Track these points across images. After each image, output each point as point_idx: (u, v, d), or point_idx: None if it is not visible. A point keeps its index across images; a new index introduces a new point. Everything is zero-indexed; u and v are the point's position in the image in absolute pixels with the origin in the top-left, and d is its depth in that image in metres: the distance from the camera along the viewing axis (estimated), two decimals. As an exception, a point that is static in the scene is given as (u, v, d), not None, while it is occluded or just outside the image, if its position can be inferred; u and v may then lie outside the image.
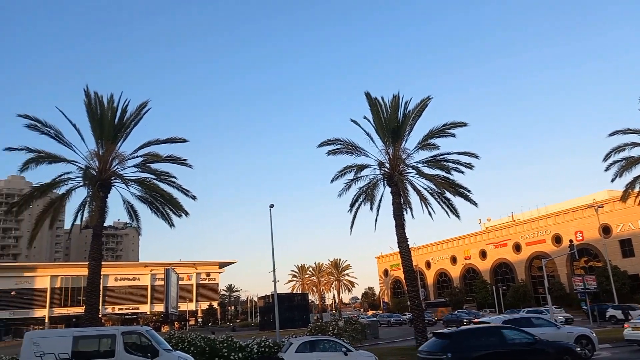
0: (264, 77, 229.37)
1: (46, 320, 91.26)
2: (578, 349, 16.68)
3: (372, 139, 28.24)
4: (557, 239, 76.19)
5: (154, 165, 26.46)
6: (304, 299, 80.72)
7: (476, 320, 20.06)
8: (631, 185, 33.41)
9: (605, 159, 33.61)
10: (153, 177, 26.35)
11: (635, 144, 32.75)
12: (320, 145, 28.62)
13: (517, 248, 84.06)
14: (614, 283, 48.58)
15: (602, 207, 59.31)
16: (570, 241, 47.49)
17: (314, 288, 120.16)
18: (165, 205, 26.25)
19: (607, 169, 33.60)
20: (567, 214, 76.26)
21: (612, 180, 33.67)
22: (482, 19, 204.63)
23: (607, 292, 51.58)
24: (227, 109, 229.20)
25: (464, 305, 76.85)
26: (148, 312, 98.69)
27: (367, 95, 27.97)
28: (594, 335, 18.76)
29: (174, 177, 26.32)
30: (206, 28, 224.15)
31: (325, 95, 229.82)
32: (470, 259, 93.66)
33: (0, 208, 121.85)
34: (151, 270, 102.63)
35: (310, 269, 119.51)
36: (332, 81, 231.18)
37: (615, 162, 33.45)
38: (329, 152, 28.61)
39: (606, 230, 67.76)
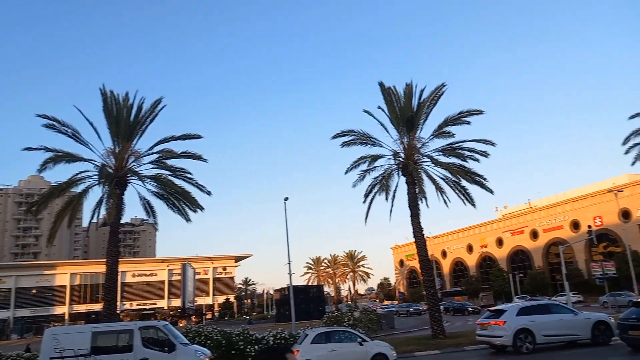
0: (278, 73, 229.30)
1: (66, 317, 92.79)
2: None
3: (386, 129, 28.04)
4: (575, 225, 75.22)
5: (170, 162, 26.76)
6: (320, 291, 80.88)
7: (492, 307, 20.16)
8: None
9: (624, 142, 33.15)
10: (168, 173, 26.61)
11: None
12: (335, 137, 28.49)
13: (534, 235, 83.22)
14: (634, 268, 47.83)
15: (622, 191, 58.36)
16: (589, 227, 46.83)
17: (329, 280, 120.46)
18: (181, 200, 26.43)
19: (627, 152, 33.13)
20: (586, 199, 75.16)
21: (633, 164, 33.20)
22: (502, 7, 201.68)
23: (627, 278, 50.79)
24: (242, 104, 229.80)
25: (480, 294, 76.41)
26: (165, 307, 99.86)
27: (381, 85, 27.74)
28: (612, 320, 18.49)
29: (189, 172, 26.54)
30: (215, 25, 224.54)
31: (340, 87, 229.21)
32: (486, 247, 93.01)
33: (20, 208, 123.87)
34: (168, 266, 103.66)
35: (326, 260, 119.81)
36: (346, 74, 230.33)
37: (635, 144, 32.92)
38: (343, 144, 28.45)
39: (626, 214, 66.63)
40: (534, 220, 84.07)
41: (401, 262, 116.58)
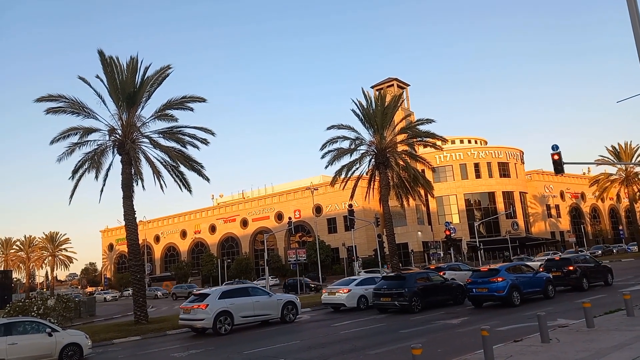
0: None
1: None
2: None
3: (104, 101, 25.85)
4: (280, 216, 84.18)
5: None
6: (7, 277, 69.27)
7: (196, 292, 20.82)
8: (339, 172, 39.11)
9: (321, 148, 38.54)
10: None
11: (345, 138, 38.42)
12: (39, 100, 24.82)
13: (245, 223, 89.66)
14: (320, 255, 56.51)
15: (317, 189, 68.09)
16: (289, 218, 52.98)
17: (21, 265, 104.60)
18: None
19: (322, 156, 38.58)
20: (290, 194, 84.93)
21: (326, 167, 38.87)
22: None
23: (313, 264, 59.58)
24: None
25: (189, 279, 78.20)
26: None
27: (101, 53, 25.35)
28: (298, 301, 21.41)
29: None
30: None
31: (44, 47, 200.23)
32: (200, 233, 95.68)
33: None
34: None
35: (18, 242, 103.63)
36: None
37: (329, 151, 38.69)
38: (49, 110, 25.04)
39: (318, 209, 78.10)
40: (246, 209, 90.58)
41: (110, 246, 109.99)
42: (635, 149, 62.20)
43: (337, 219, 77.13)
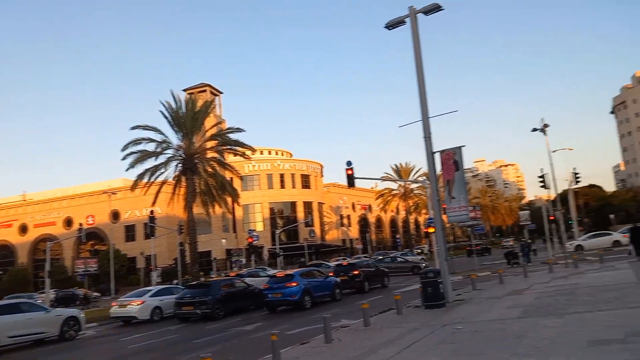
0: None
1: None
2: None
3: None
4: (69, 222, 75.57)
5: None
6: None
7: None
8: (141, 176, 36.83)
9: (123, 149, 35.88)
10: None
11: (151, 140, 36.42)
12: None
13: (24, 229, 78.31)
14: (114, 265, 52.19)
15: (116, 193, 63.01)
16: (80, 224, 47.95)
17: None
18: None
19: (124, 158, 35.91)
20: (82, 198, 76.91)
21: (127, 170, 36.30)
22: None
23: (106, 274, 54.71)
24: None
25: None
26: None
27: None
28: (82, 315, 19.44)
29: None
30: None
31: None
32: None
33: None
34: None
35: None
36: None
37: (132, 153, 36.19)
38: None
39: (116, 215, 72.21)
40: (27, 214, 79.25)
41: None
42: (412, 168, 72.26)
43: (136, 225, 72.41)
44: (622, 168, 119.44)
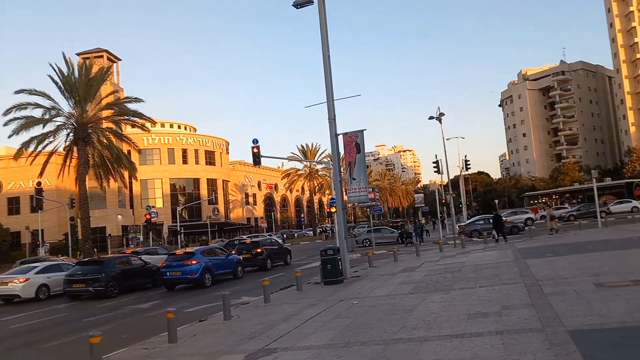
0: None
1: None
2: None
3: None
4: None
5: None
6: None
7: None
8: (27, 144, 33.87)
9: (5, 114, 32.80)
10: None
11: (38, 105, 33.49)
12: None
13: None
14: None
15: (-4, 162, 57.15)
16: (-48, 195, 43.01)
17: None
18: None
19: (6, 124, 32.89)
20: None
21: (10, 137, 33.31)
22: None
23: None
24: None
25: None
26: None
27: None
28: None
29: None
30: None
31: None
32: None
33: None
34: None
35: None
36: None
37: (16, 119, 33.14)
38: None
39: (-4, 186, 65.70)
40: None
41: None
42: (317, 149, 73.38)
43: (21, 198, 66.39)
44: (507, 158, 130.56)
